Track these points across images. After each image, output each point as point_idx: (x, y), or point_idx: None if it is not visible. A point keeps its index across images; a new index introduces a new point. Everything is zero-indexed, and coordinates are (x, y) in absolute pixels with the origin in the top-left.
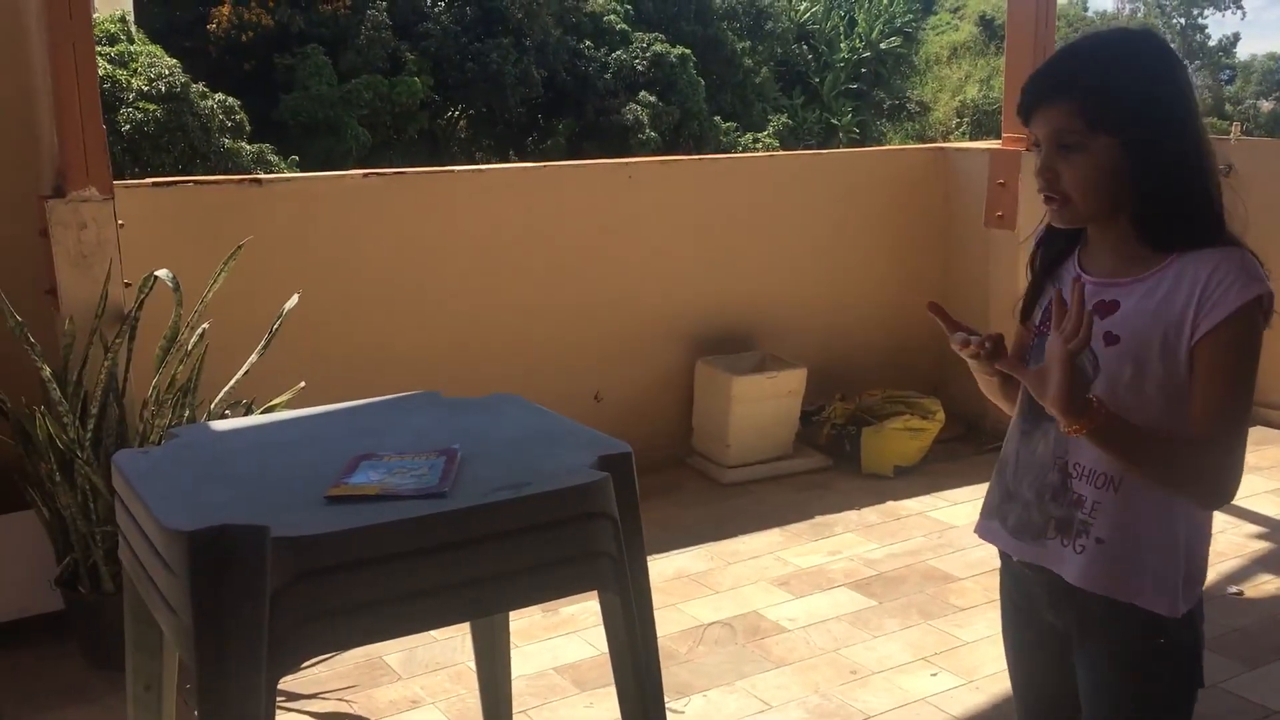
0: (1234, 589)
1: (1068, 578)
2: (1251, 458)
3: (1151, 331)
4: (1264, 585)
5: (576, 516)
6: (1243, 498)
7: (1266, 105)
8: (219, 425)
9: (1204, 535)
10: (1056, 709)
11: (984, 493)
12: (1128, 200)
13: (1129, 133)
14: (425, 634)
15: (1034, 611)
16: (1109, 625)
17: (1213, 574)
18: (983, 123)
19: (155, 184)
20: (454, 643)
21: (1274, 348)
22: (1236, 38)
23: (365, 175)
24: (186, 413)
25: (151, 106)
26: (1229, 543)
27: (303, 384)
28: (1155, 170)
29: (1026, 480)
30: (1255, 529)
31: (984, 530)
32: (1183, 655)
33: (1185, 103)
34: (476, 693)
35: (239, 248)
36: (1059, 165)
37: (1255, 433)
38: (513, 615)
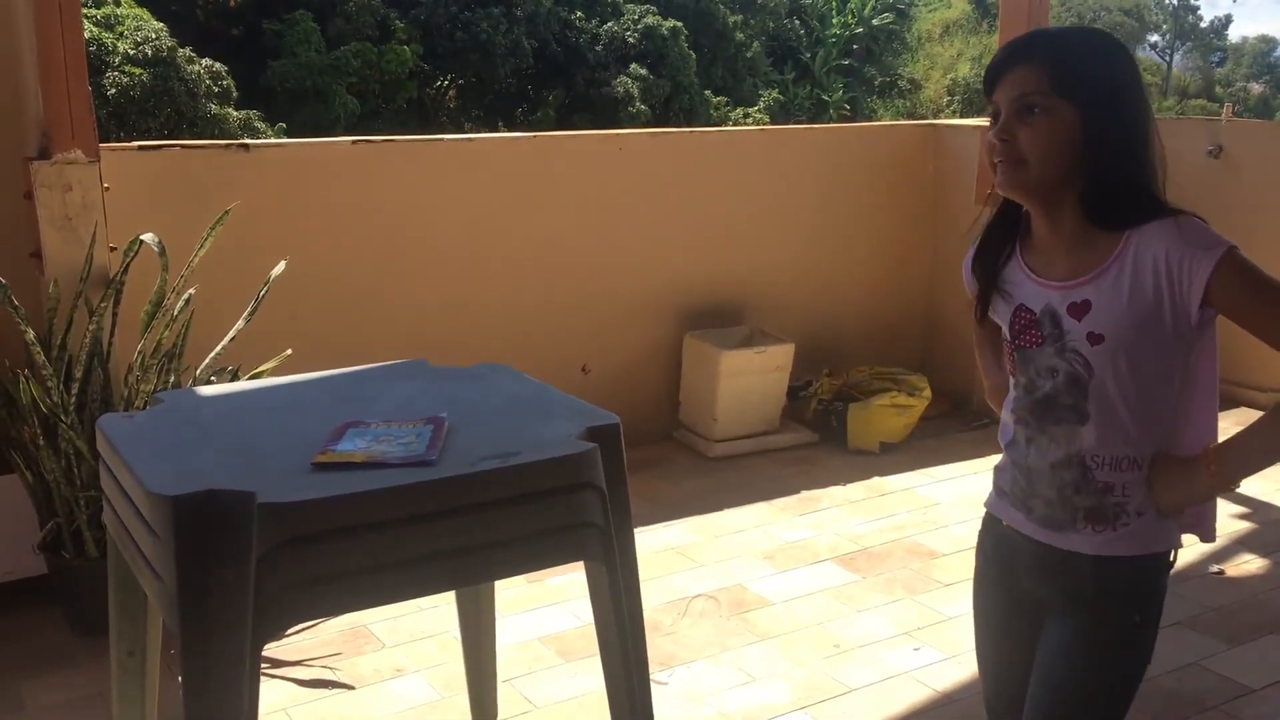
0: (1215, 568)
1: (1103, 553)
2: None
3: (1131, 321)
4: (1244, 564)
5: (564, 487)
6: None
7: (1256, 88)
8: (204, 391)
9: None
10: (1023, 680)
11: (970, 469)
12: (1078, 176)
13: (1089, 102)
14: (410, 602)
15: (1011, 577)
16: (1100, 597)
17: (1194, 553)
18: (974, 101)
19: (141, 147)
20: (439, 612)
21: (1246, 334)
22: (1229, 20)
23: (354, 143)
24: (172, 378)
25: (138, 71)
26: None
27: (289, 351)
28: (1109, 145)
29: (1042, 483)
30: (1237, 509)
31: (1002, 511)
32: (1149, 631)
33: (1139, 87)
34: (461, 662)
35: (225, 213)
36: (1018, 129)
37: (1238, 413)
38: (498, 585)
